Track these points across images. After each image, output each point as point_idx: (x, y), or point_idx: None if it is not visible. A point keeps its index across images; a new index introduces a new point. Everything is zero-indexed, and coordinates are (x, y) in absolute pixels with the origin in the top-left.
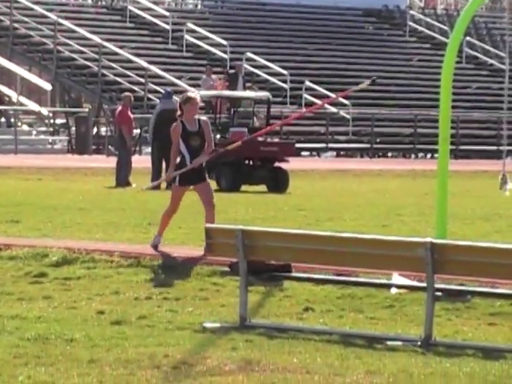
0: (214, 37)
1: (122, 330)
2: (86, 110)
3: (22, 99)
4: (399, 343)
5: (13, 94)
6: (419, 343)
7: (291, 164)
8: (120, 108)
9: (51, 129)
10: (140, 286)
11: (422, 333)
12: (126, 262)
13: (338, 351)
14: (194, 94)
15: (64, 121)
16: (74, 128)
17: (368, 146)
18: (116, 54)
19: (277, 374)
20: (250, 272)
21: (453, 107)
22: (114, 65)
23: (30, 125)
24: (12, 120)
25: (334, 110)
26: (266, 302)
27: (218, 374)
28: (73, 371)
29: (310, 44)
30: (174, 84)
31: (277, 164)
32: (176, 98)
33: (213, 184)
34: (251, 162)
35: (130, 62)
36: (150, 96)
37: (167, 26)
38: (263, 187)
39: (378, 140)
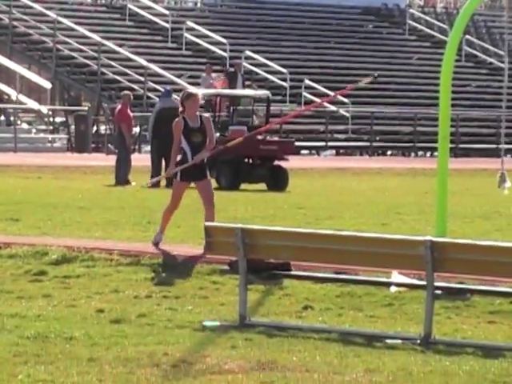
0: (214, 35)
1: (121, 328)
2: (86, 108)
3: (22, 97)
4: (399, 341)
5: (12, 93)
6: (419, 341)
7: (291, 162)
8: (119, 106)
9: (51, 127)
10: (139, 284)
11: (422, 331)
12: (126, 260)
13: (338, 349)
14: (195, 91)
15: (63, 119)
16: (73, 126)
17: (367, 144)
18: (115, 52)
19: (276, 372)
20: (250, 270)
21: (452, 105)
22: (113, 63)
23: (29, 123)
24: (11, 118)
25: (333, 108)
26: (266, 301)
27: (218, 372)
28: (72, 369)
29: (309, 42)
30: (173, 82)
31: (276, 162)
32: (175, 97)
33: (212, 182)
34: (251, 161)
35: (130, 60)
36: (150, 94)
37: (167, 25)
38: (263, 186)
39: (377, 138)
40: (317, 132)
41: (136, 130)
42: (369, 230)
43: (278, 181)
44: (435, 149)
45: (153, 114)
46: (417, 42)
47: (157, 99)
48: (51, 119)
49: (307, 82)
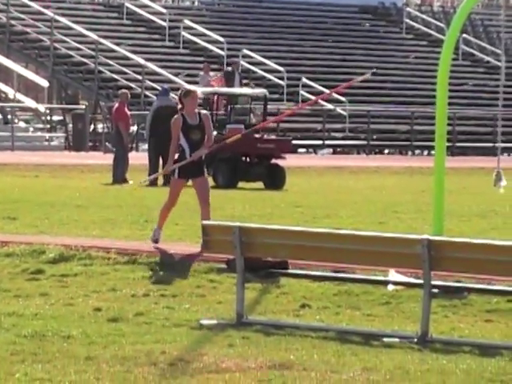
0: (211, 34)
1: (118, 326)
2: (83, 106)
3: (19, 96)
4: (396, 340)
5: (9, 91)
6: (416, 340)
7: (288, 161)
8: (117, 105)
9: (48, 126)
10: (137, 282)
11: (419, 329)
12: (123, 258)
13: (335, 348)
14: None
15: (61, 118)
16: (70, 125)
17: (365, 142)
18: (113, 50)
19: (273, 370)
20: (247, 269)
21: (449, 104)
22: (110, 62)
23: (26, 121)
24: (9, 117)
25: (330, 106)
26: (263, 299)
27: (215, 370)
28: (70, 368)
29: (306, 41)
30: (170, 81)
31: (273, 161)
32: (173, 95)
33: (210, 181)
34: (248, 159)
35: (127, 58)
36: (147, 93)
37: (164, 23)
38: (260, 184)
39: (374, 137)
40: (314, 130)
41: (133, 128)
42: (366, 228)
43: (275, 179)
44: (432, 147)
45: (150, 113)
46: (414, 41)
47: (154, 98)
48: (48, 118)
49: (304, 80)
